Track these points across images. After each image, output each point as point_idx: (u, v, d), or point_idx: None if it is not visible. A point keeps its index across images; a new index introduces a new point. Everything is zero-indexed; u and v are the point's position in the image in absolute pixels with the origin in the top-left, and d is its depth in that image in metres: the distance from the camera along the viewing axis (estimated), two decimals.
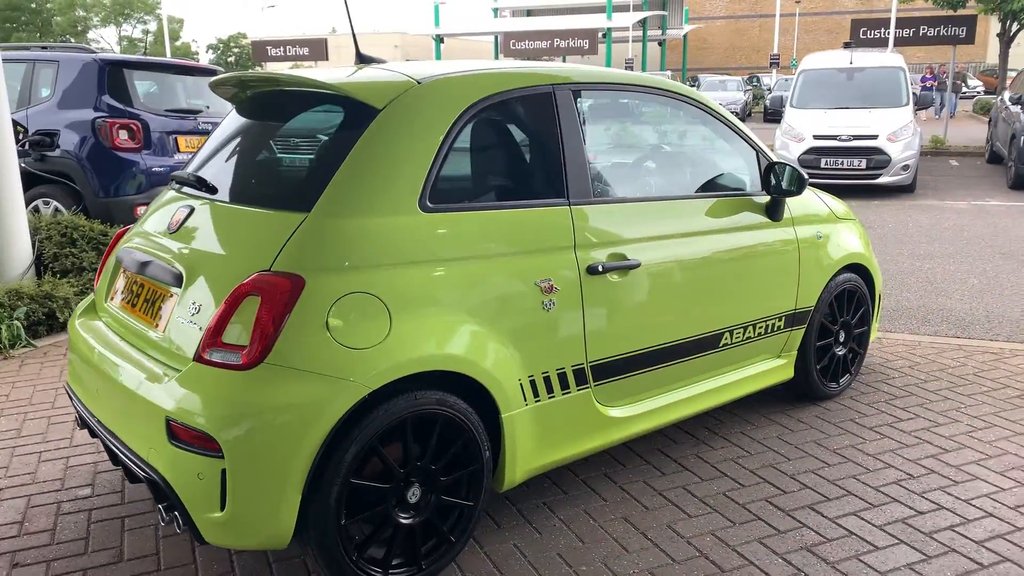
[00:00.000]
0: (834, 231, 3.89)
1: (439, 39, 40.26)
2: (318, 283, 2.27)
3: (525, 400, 2.69)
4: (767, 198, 3.50)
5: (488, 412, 2.62)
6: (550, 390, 2.77)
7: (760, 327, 3.54)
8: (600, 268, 2.82)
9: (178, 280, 2.48)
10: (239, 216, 2.50)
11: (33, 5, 50.36)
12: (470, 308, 2.52)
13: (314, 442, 2.21)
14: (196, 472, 2.21)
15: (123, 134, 6.31)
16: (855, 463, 3.36)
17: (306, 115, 2.90)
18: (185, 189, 2.83)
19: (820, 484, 3.18)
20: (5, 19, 48.87)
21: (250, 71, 3.11)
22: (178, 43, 60.39)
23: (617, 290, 2.91)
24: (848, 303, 4.04)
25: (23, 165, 6.17)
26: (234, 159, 2.81)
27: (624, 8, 38.84)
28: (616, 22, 38.45)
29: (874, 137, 11.14)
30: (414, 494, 2.47)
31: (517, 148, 2.95)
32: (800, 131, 11.59)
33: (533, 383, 2.71)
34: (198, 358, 2.28)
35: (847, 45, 14.76)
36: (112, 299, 2.87)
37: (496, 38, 18.62)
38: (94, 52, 6.87)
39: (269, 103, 2.89)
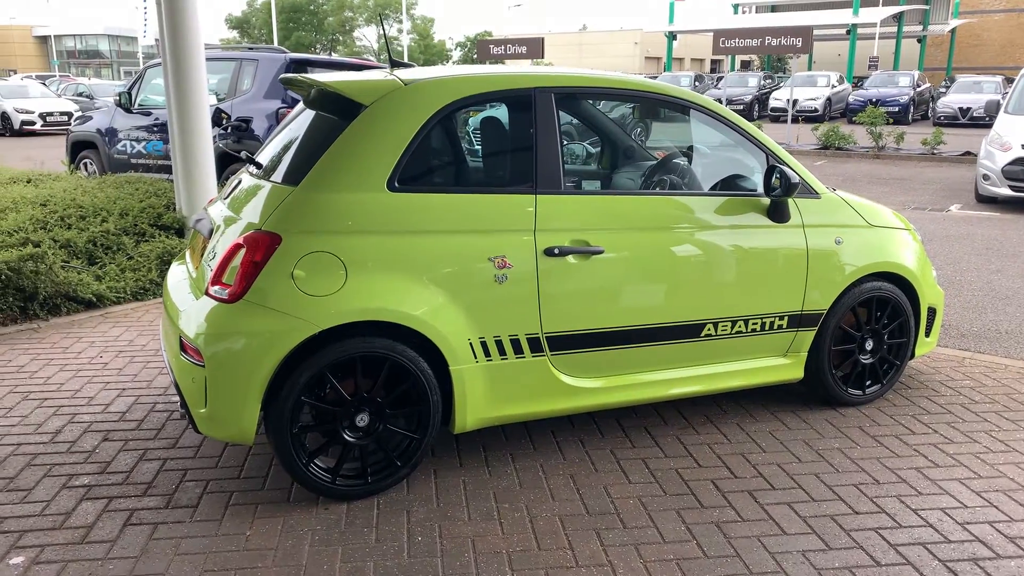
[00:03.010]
0: (862, 238, 3.89)
1: (672, 36, 40.12)
2: (291, 241, 2.91)
3: (476, 358, 3.15)
4: (768, 200, 3.64)
5: (442, 364, 3.12)
6: (502, 352, 3.21)
7: (754, 323, 3.69)
8: (556, 251, 3.20)
9: (211, 234, 3.24)
10: (260, 188, 3.20)
11: (311, 7, 57.01)
12: (423, 274, 3.03)
13: (272, 363, 2.85)
14: (192, 377, 2.95)
15: None
16: (827, 463, 3.43)
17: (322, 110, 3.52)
18: (250, 167, 3.60)
19: (775, 475, 3.32)
20: (288, 19, 55.85)
21: (297, 75, 3.78)
22: (434, 41, 65.18)
23: (577, 272, 3.27)
24: (879, 312, 4.01)
25: (222, 146, 7.50)
26: (275, 144, 3.52)
27: (874, 3, 36.21)
28: (863, 17, 36.02)
29: None
30: (362, 419, 3.04)
31: (488, 141, 3.40)
32: (1008, 139, 10.57)
33: (484, 344, 3.16)
34: (206, 292, 3.01)
35: None
36: (186, 253, 3.72)
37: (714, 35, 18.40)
38: (285, 52, 8.10)
39: (307, 99, 3.57)
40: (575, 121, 4.82)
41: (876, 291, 3.94)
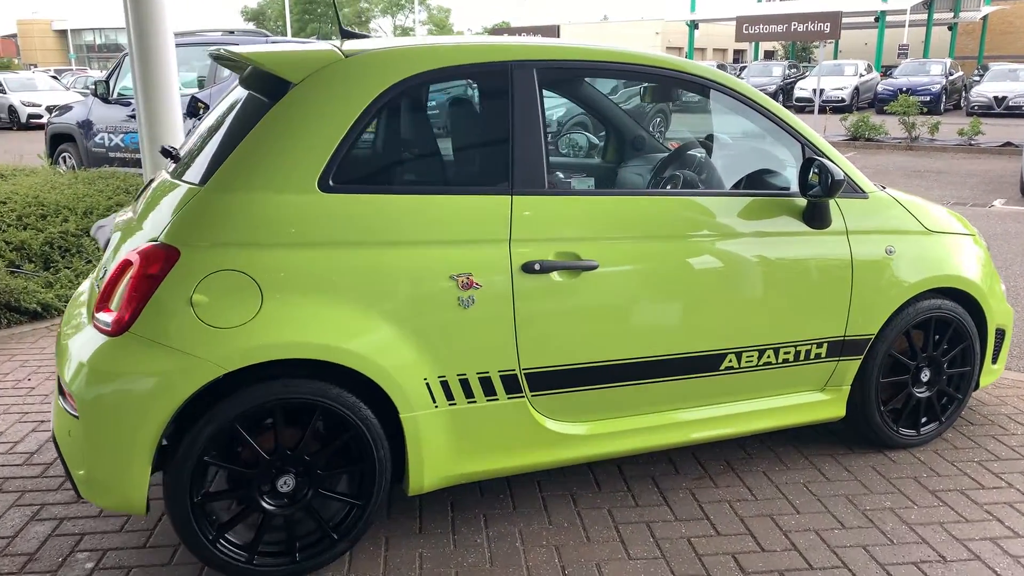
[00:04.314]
0: (918, 247, 3.18)
1: (693, 25, 39.16)
2: (191, 257, 2.26)
3: (434, 401, 2.50)
4: (804, 201, 2.94)
5: (391, 410, 2.47)
6: (469, 394, 2.55)
7: (786, 353, 3.00)
8: (537, 266, 2.54)
9: (106, 246, 2.61)
10: (170, 188, 2.56)
11: None
12: (365, 297, 2.38)
13: (163, 414, 2.22)
14: (68, 429, 2.31)
15: None
16: (877, 530, 2.74)
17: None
18: (169, 161, 2.96)
19: (813, 547, 2.64)
20: (304, 11, 55.30)
21: (225, 48, 3.12)
22: (453, 32, 64.35)
23: (564, 292, 2.60)
24: (938, 335, 3.30)
25: None
26: (199, 133, 2.88)
27: None
28: (892, 4, 34.90)
29: None
30: (286, 483, 2.40)
31: (452, 129, 2.74)
32: None
33: (445, 384, 2.51)
34: (91, 320, 2.37)
35: None
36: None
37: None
38: (267, 36, 7.47)
39: (242, 78, 2.92)
40: (580, 109, 4.15)
41: (935, 311, 3.23)
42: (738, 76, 25.91)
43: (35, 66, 54.27)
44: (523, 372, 2.60)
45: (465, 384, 2.53)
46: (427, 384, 2.48)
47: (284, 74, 2.45)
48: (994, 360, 3.54)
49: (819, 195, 2.82)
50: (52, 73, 31.92)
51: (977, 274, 3.34)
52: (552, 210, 2.61)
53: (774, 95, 27.57)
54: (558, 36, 20.72)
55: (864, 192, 3.11)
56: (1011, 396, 3.92)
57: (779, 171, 3.09)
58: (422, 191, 2.48)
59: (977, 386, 3.48)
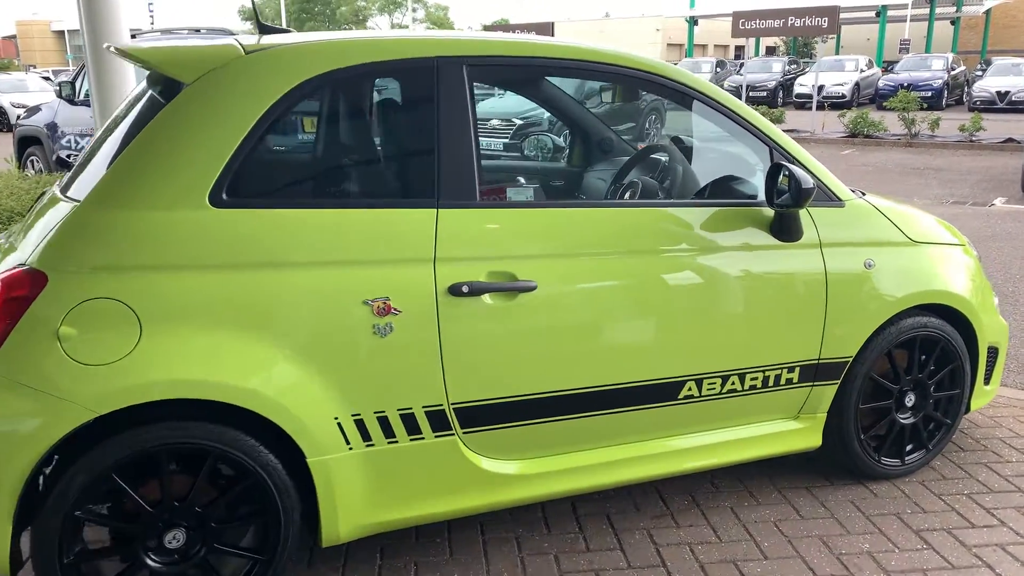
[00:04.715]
0: (901, 259, 2.89)
1: (693, 21, 38.82)
2: (59, 283, 1.98)
3: (348, 443, 2.22)
4: (772, 211, 2.65)
5: (298, 453, 2.19)
6: (389, 433, 2.27)
7: (753, 379, 2.71)
8: (466, 288, 2.25)
9: None
10: (50, 205, 2.28)
11: None
12: (263, 327, 2.10)
13: (22, 466, 1.94)
14: None
15: None
16: None
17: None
18: (65, 172, 2.68)
19: None
20: (301, 9, 54.98)
21: (125, 44, 2.82)
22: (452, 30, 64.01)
23: (498, 317, 2.31)
24: (924, 356, 3.01)
25: None
26: (96, 141, 2.60)
27: None
28: None
29: None
30: (175, 538, 2.12)
31: (369, 134, 2.46)
32: None
33: (361, 423, 2.23)
34: None
35: None
36: None
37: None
38: (233, 34, 7.18)
39: (147, 77, 2.63)
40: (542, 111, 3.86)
41: (920, 329, 2.94)
42: (738, 71, 25.67)
43: (34, 67, 54.09)
44: (452, 407, 2.32)
45: (384, 422, 2.25)
46: (339, 424, 2.20)
47: (175, 73, 2.17)
48: (987, 381, 3.25)
49: (788, 204, 2.53)
50: (45, 74, 31.68)
51: (967, 288, 3.04)
52: (484, 225, 2.32)
53: (774, 91, 27.24)
54: (552, 34, 20.42)
55: (839, 200, 2.82)
56: (1007, 417, 3.63)
57: (747, 178, 2.80)
58: (332, 204, 2.20)
59: (968, 410, 3.19)
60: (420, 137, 2.32)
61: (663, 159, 3.07)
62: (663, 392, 2.59)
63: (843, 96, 25.71)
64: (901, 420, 3.03)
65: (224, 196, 2.10)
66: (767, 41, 49.96)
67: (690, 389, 2.62)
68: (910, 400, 3.03)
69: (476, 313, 2.28)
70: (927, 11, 36.94)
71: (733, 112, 2.67)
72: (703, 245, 2.58)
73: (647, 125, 9.38)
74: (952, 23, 40.87)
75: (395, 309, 2.20)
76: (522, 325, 2.34)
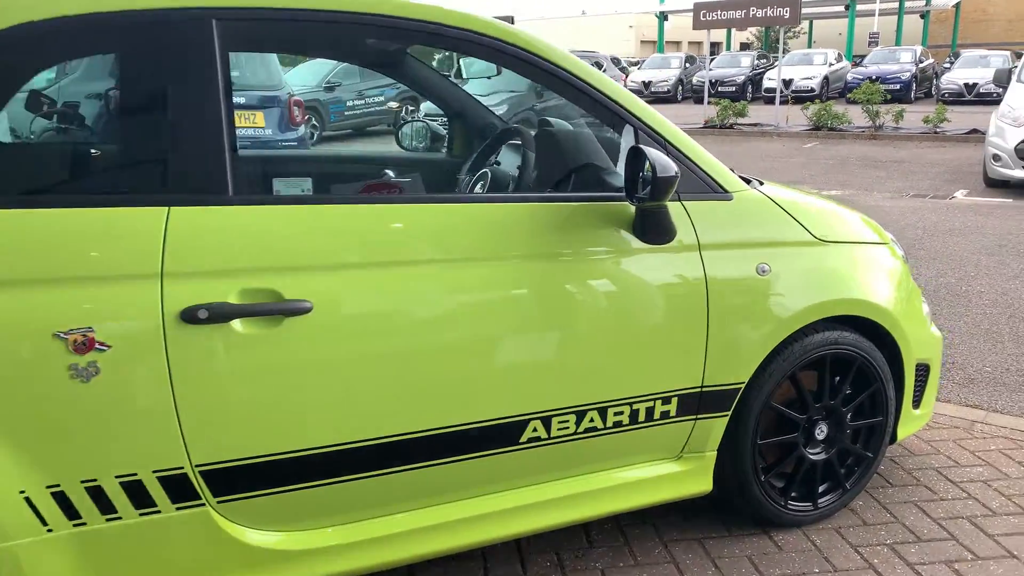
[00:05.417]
0: (805, 263, 2.37)
1: (663, 16, 38.46)
2: None
3: (46, 524, 1.66)
4: (634, 206, 2.12)
5: None
6: (108, 509, 1.71)
7: (618, 414, 2.18)
8: (204, 313, 1.70)
9: None
10: None
11: None
12: None
13: None
14: None
15: None
16: None
17: None
18: None
19: None
20: None
21: None
22: None
23: (256, 349, 1.77)
24: (837, 378, 2.50)
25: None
26: None
27: None
28: None
29: None
30: None
31: (76, 111, 1.90)
32: (1021, 113, 8.99)
33: (62, 498, 1.67)
34: None
35: None
36: None
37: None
38: None
39: None
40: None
41: (831, 347, 2.43)
42: (707, 68, 25.24)
43: None
44: (198, 470, 1.77)
45: (98, 494, 1.70)
46: (27, 499, 1.64)
47: None
48: (916, 404, 2.74)
49: (647, 199, 2.00)
50: None
51: (888, 296, 2.53)
52: (238, 227, 1.77)
53: (743, 86, 26.87)
54: None
55: (725, 191, 2.29)
56: (946, 441, 3.12)
57: (611, 168, 2.28)
58: (7, 203, 1.64)
59: (894, 439, 2.69)
60: (146, 113, 1.77)
61: (520, 145, 2.54)
62: (498, 436, 2.05)
63: (812, 90, 25.34)
64: (811, 456, 2.51)
65: None
66: (740, 37, 49.69)
67: (535, 430, 2.09)
68: (821, 432, 2.51)
69: (221, 346, 1.73)
70: (896, 6, 36.81)
71: (582, 81, 2.13)
72: (547, 250, 2.04)
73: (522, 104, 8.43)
74: (922, 17, 40.81)
75: (100, 344, 1.64)
76: (292, 359, 1.80)
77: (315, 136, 14.95)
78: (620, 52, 45.23)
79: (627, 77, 28.52)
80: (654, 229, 2.10)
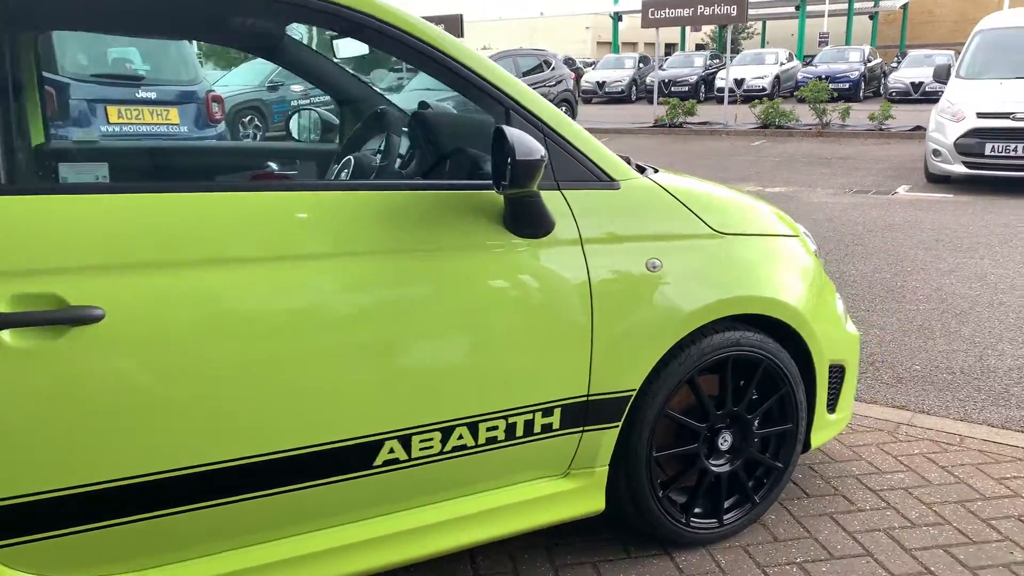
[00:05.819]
0: (702, 257, 2.16)
1: (617, 17, 38.50)
2: None
3: None
4: (500, 195, 1.88)
5: None
6: None
7: (491, 429, 1.94)
8: None
9: None
10: None
11: None
12: None
13: None
14: None
15: None
16: None
17: None
18: None
19: None
20: None
21: None
22: None
23: (32, 365, 1.49)
24: (741, 382, 2.30)
25: None
26: None
27: None
28: None
29: None
30: None
31: None
32: (960, 107, 8.96)
33: None
34: None
35: None
36: None
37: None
38: None
39: None
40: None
41: (732, 348, 2.22)
42: (660, 68, 25.27)
43: None
44: None
45: None
46: None
47: None
48: (831, 408, 2.55)
49: (509, 187, 1.76)
50: None
51: (797, 292, 2.34)
52: (12, 221, 1.50)
53: (695, 86, 26.98)
54: (461, 28, 19.54)
55: (611, 179, 2.06)
56: (869, 446, 2.95)
57: (484, 153, 2.04)
58: None
59: (807, 447, 2.49)
60: None
61: (390, 130, 2.29)
62: (349, 459, 1.79)
63: (763, 89, 25.53)
64: (715, 468, 2.30)
65: None
66: (696, 38, 50.03)
67: (392, 451, 1.84)
68: (725, 441, 2.31)
69: None
70: (846, 6, 37.31)
71: (446, 55, 1.88)
72: (403, 244, 1.80)
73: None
74: (871, 18, 41.46)
75: None
76: (78, 376, 1.52)
77: (258, 136, 14.54)
78: (577, 53, 45.22)
79: (580, 77, 28.39)
80: (526, 221, 1.87)
